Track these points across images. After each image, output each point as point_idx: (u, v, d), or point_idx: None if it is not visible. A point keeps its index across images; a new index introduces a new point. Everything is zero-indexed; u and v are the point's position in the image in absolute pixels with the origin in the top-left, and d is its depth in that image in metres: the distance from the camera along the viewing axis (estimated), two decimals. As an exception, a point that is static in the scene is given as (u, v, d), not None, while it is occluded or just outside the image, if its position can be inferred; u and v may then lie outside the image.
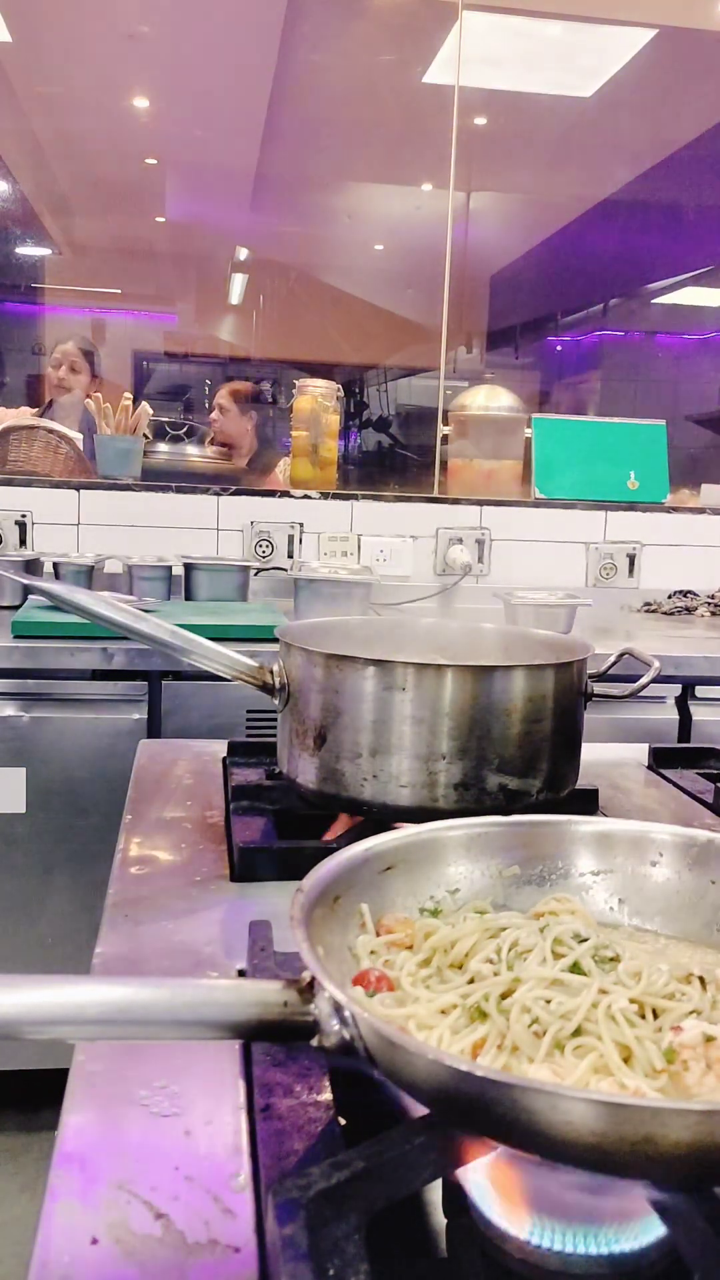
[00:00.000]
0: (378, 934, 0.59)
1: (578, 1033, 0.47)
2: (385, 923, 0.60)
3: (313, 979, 0.47)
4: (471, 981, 0.53)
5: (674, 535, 2.76)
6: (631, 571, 2.73)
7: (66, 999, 0.45)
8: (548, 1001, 0.49)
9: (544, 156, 4.38)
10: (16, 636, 1.87)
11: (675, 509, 2.78)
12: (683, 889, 0.65)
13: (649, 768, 1.20)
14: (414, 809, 0.85)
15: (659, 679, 1.01)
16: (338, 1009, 0.46)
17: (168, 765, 1.13)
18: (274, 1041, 0.55)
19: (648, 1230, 0.43)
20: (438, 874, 0.65)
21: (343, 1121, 0.50)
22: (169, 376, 5.25)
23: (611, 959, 0.54)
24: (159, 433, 2.87)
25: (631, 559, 2.73)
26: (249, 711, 1.88)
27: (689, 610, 2.60)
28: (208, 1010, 0.47)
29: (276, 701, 0.95)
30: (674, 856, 0.66)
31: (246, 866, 0.84)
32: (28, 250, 4.86)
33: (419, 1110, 0.45)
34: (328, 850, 0.85)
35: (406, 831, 0.66)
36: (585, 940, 0.54)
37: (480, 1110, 0.40)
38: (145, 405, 2.65)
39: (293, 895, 0.54)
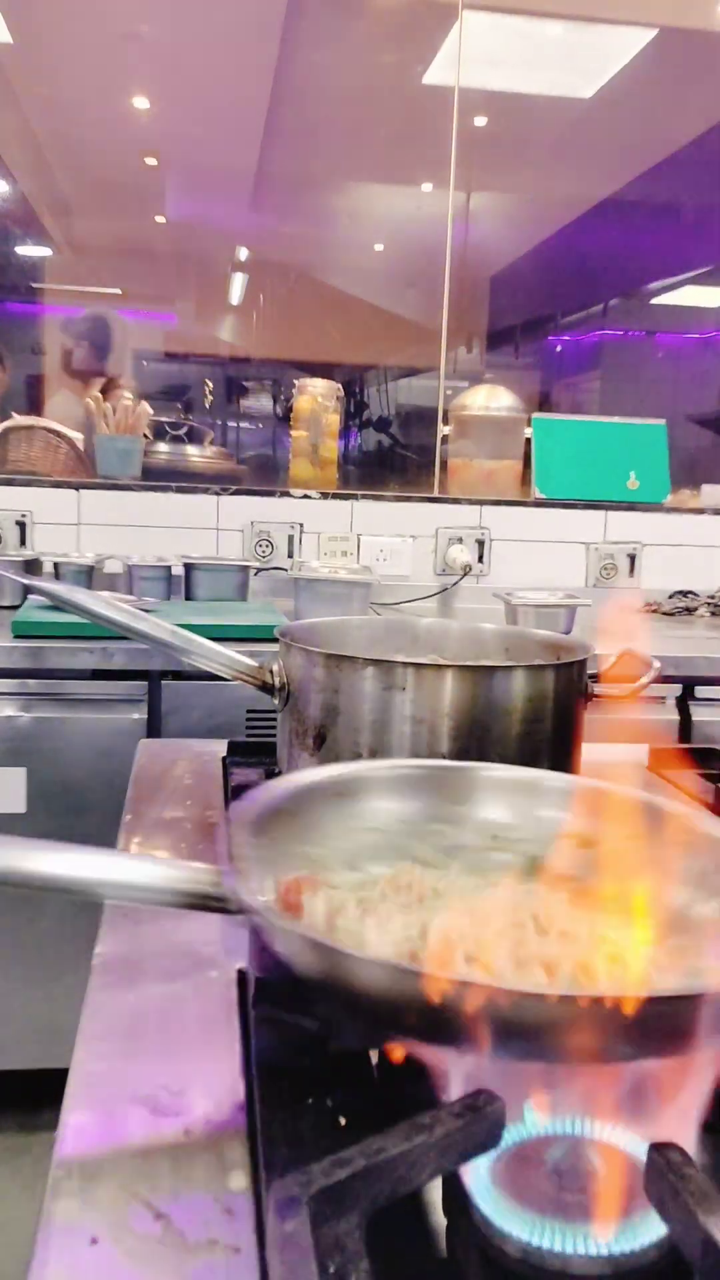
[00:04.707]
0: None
1: None
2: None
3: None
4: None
5: (674, 535, 2.76)
6: (632, 571, 2.73)
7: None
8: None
9: (544, 157, 4.37)
10: (16, 636, 1.88)
11: (675, 509, 2.78)
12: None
13: (649, 768, 1.20)
14: (414, 809, 0.85)
15: (659, 679, 1.01)
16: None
17: (168, 765, 1.13)
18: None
19: (648, 1230, 0.43)
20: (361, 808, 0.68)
21: (343, 1121, 0.50)
22: (169, 376, 5.25)
23: None
24: (159, 433, 2.87)
25: (631, 559, 2.73)
26: (249, 711, 1.89)
27: (689, 610, 2.60)
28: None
29: (276, 701, 0.95)
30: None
31: (246, 866, 0.84)
32: (28, 250, 4.86)
33: (419, 1110, 0.45)
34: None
35: (335, 769, 0.70)
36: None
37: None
38: (145, 405, 2.65)
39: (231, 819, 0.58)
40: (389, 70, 3.77)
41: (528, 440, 2.79)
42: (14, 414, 2.77)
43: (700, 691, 2.03)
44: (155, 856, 0.58)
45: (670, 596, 2.68)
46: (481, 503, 2.67)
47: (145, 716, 1.88)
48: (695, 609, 2.60)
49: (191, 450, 2.92)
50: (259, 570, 2.48)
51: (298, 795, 0.65)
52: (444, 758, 0.85)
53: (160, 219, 4.88)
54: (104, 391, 2.74)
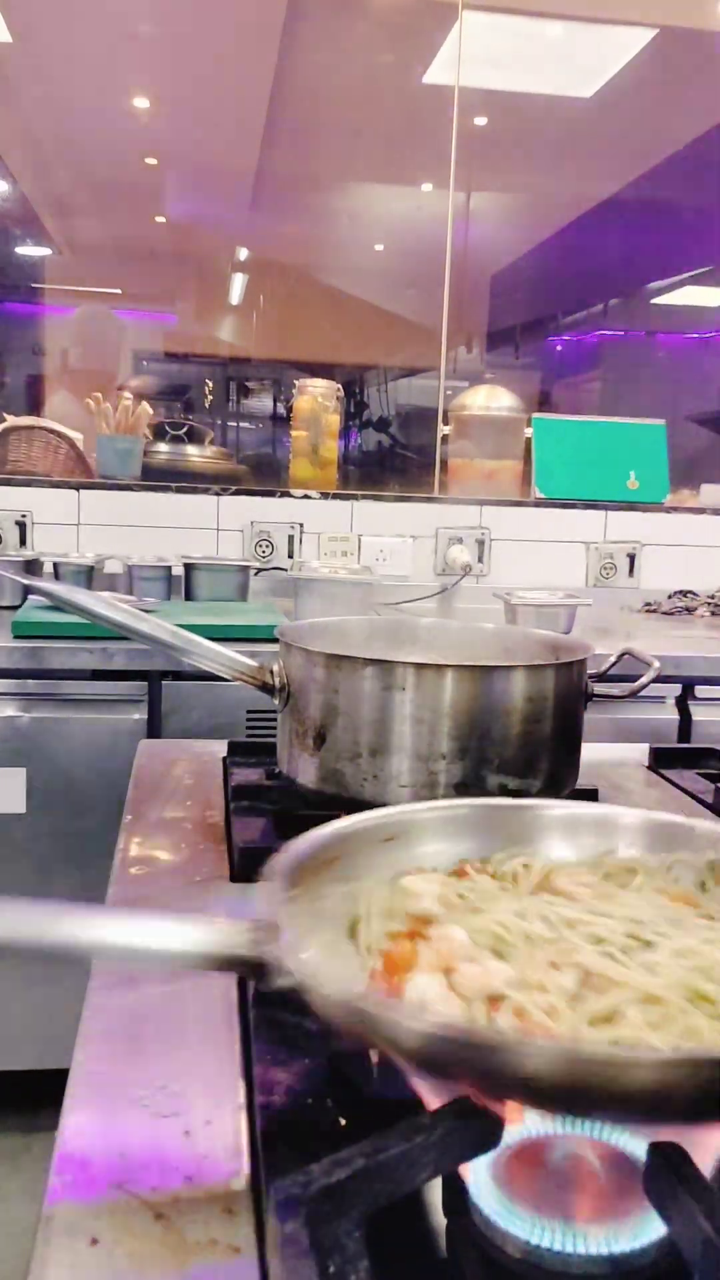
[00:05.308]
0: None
1: None
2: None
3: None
4: None
5: (674, 535, 2.76)
6: (631, 571, 2.73)
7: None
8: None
9: (544, 156, 4.37)
10: (16, 636, 1.87)
11: (675, 509, 2.78)
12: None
13: (649, 768, 1.20)
14: (414, 809, 0.85)
15: (659, 679, 1.01)
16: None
17: (168, 765, 1.13)
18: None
19: (648, 1230, 0.43)
20: (410, 854, 0.63)
21: (343, 1121, 0.50)
22: (169, 376, 5.24)
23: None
24: (159, 433, 2.87)
25: (631, 559, 2.73)
26: (249, 711, 1.89)
27: (689, 610, 2.60)
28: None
29: (276, 701, 0.95)
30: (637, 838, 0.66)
31: (247, 866, 0.84)
32: (28, 250, 4.86)
33: (419, 1110, 0.45)
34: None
35: (380, 812, 0.65)
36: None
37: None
38: (145, 405, 2.65)
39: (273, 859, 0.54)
40: (389, 70, 3.77)
41: (528, 440, 2.79)
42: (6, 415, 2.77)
43: (700, 691, 2.03)
44: (177, 914, 0.51)
45: (670, 596, 2.68)
46: (482, 503, 2.67)
47: (145, 717, 1.88)
48: (695, 609, 2.60)
49: (191, 450, 2.92)
50: (259, 570, 2.48)
51: (338, 841, 0.60)
52: (443, 758, 0.86)
53: (160, 219, 4.87)
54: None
